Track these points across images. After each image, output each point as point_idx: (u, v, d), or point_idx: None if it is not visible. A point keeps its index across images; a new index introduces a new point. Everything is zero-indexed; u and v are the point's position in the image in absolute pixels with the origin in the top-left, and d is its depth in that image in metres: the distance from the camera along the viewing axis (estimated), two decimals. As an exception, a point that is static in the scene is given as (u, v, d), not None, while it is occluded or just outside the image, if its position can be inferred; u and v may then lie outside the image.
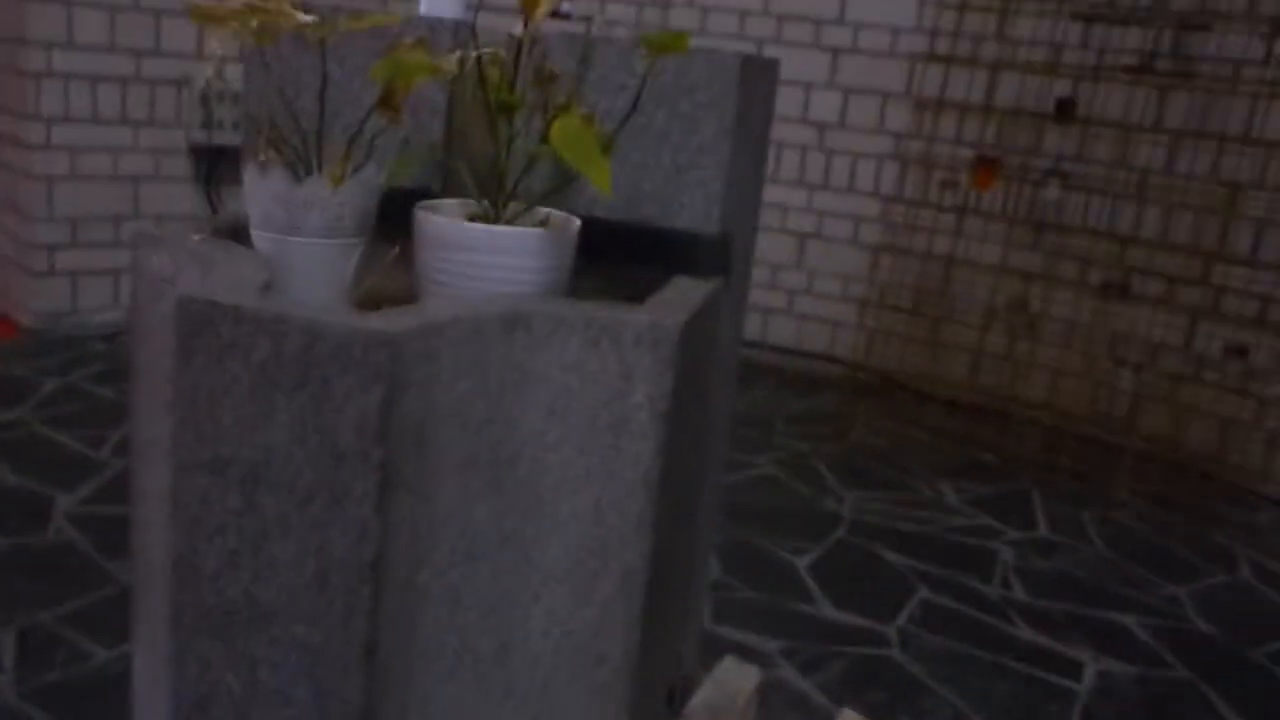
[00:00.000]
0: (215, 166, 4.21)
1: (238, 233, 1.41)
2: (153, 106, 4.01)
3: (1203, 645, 2.71)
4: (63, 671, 2.11)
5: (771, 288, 4.86)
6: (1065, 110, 4.30)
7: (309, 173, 1.31)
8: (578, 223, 1.38)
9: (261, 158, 1.31)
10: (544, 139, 1.25)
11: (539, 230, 1.31)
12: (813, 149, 4.80)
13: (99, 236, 4.02)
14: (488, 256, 1.30)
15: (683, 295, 1.43)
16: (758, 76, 1.67)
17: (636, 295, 1.40)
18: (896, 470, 3.68)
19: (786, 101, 4.64)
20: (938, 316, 4.65)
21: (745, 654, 2.18)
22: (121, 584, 2.41)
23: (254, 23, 1.29)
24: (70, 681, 2.09)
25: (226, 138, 4.09)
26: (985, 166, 4.47)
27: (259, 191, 1.31)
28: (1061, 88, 4.31)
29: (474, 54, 1.27)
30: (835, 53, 4.71)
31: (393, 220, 1.42)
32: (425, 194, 1.42)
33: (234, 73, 4.02)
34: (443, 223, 1.30)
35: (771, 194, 4.76)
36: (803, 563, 2.90)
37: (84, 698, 2.05)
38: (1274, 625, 2.86)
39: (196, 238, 1.41)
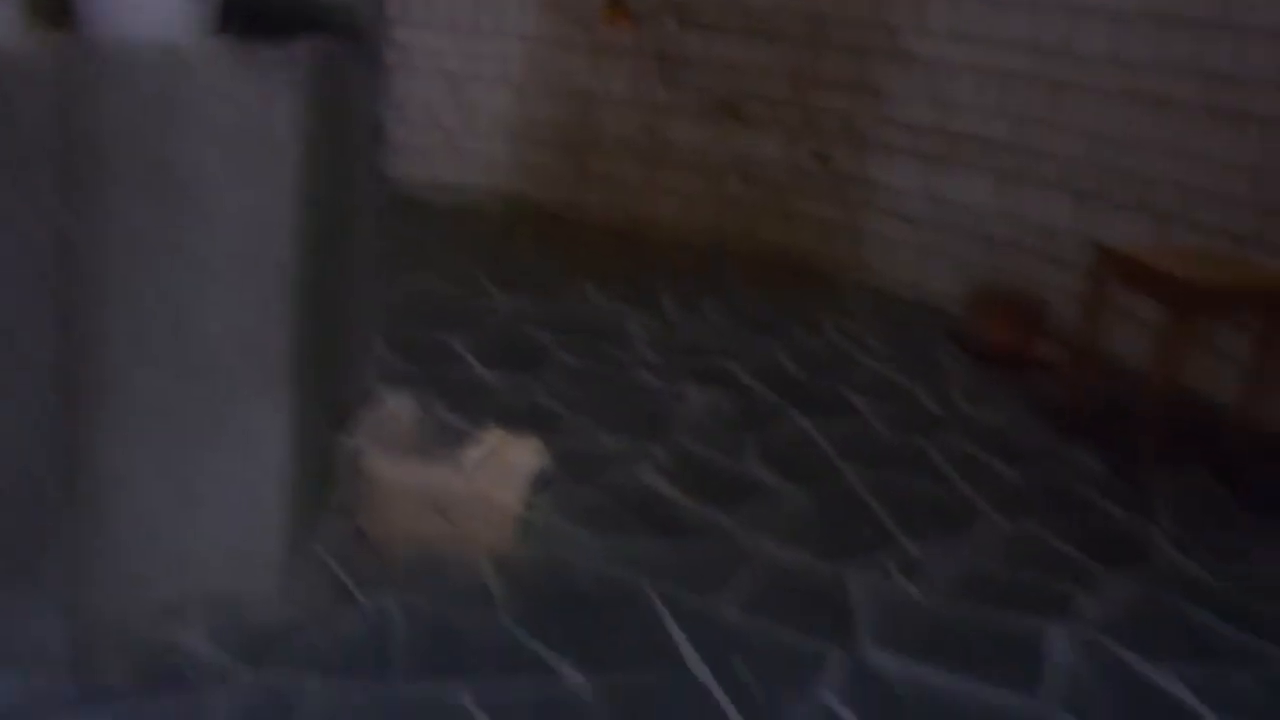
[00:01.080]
0: None
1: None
2: None
3: (789, 380, 3.35)
4: None
5: (431, 128, 5.13)
6: (681, -45, 4.78)
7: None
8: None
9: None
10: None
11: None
12: (460, -6, 5.07)
13: None
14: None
15: (315, 40, 1.73)
16: None
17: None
18: (545, 278, 4.12)
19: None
20: (582, 148, 5.10)
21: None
22: None
23: None
24: None
25: None
26: (615, 7, 4.90)
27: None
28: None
29: None
30: (475, -100, 4.96)
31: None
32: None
33: None
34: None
35: (425, 39, 5.00)
36: (458, 341, 3.29)
37: None
38: (843, 365, 3.55)
39: None
